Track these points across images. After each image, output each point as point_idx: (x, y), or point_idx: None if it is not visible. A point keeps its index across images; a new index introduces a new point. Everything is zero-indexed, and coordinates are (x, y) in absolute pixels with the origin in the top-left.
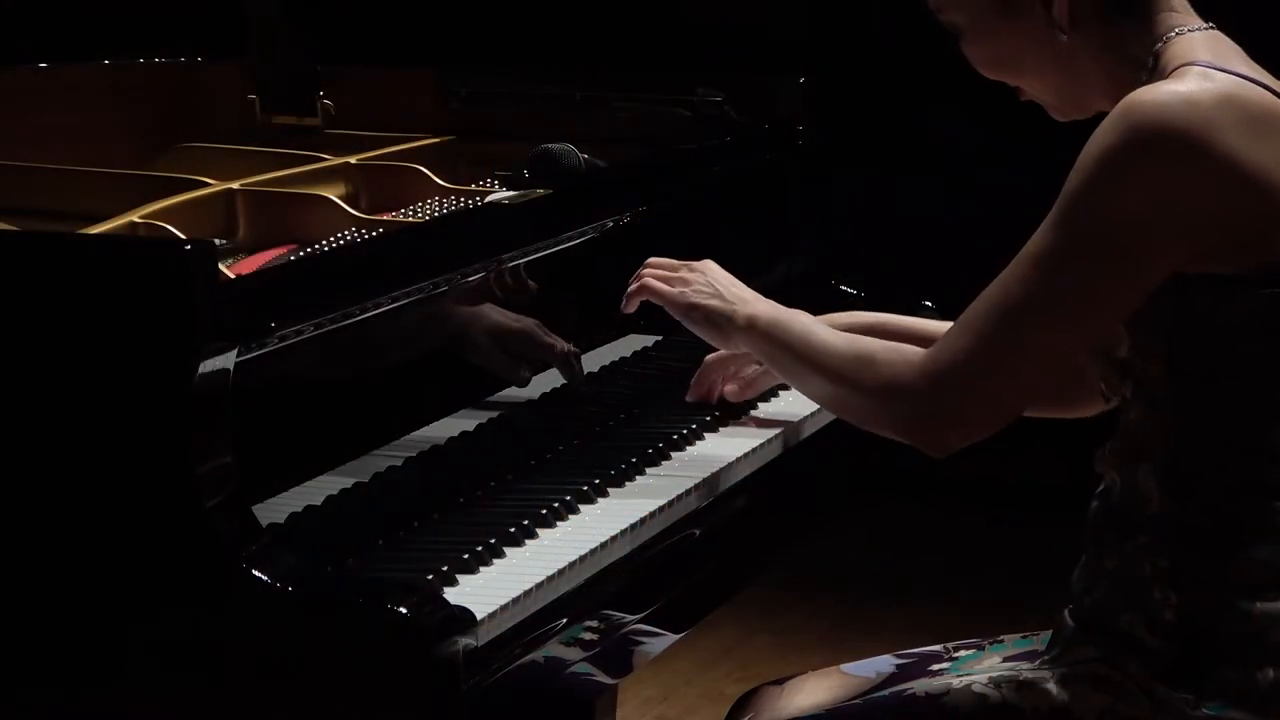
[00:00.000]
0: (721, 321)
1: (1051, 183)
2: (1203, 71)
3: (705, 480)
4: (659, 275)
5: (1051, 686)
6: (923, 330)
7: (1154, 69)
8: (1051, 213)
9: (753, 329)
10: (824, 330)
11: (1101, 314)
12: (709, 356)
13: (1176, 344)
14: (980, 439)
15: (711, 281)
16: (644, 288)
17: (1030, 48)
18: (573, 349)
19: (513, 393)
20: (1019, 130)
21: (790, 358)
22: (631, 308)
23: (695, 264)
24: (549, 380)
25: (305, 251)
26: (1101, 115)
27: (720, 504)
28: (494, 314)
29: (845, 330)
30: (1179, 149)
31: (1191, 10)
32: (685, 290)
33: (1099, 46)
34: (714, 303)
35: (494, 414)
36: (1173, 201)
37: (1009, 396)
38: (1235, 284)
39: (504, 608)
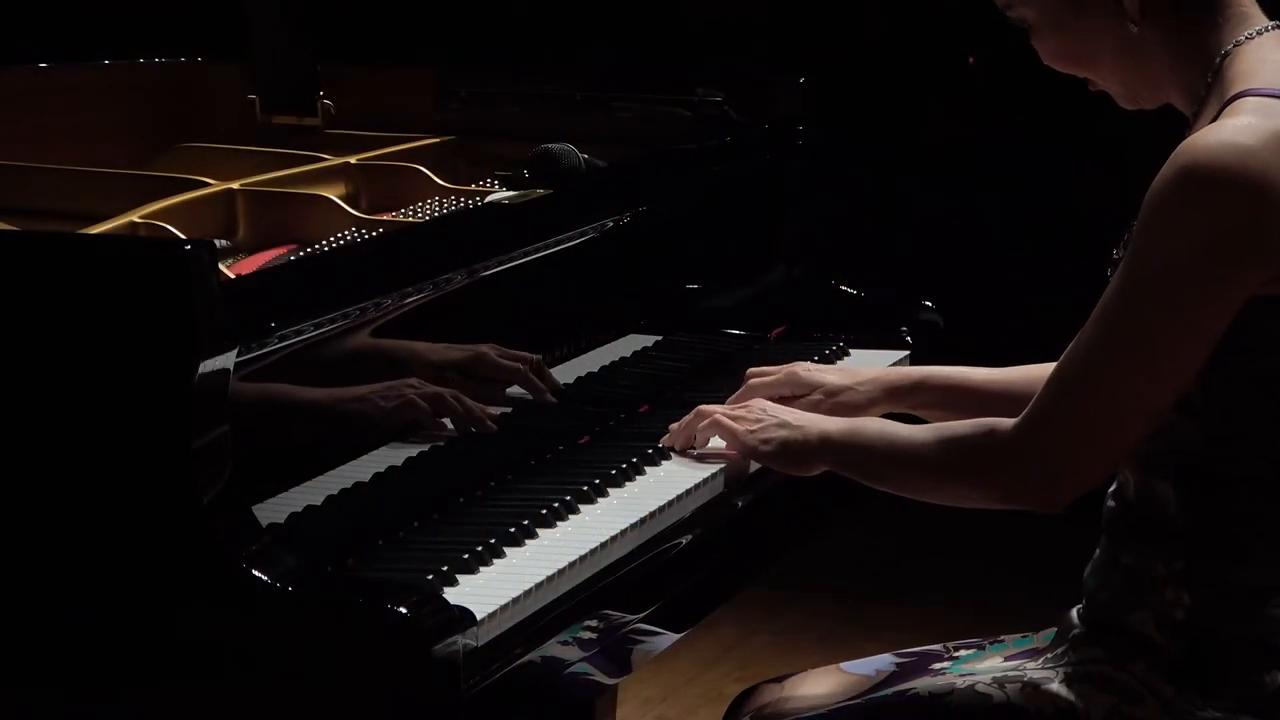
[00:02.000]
0: (797, 448)
1: (1051, 183)
2: (1260, 105)
3: (706, 480)
4: (725, 412)
5: (1056, 686)
6: (972, 381)
7: (1219, 73)
8: (1122, 263)
9: (829, 444)
10: (899, 426)
11: (1185, 354)
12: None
13: (1219, 354)
14: (1091, 485)
15: (770, 414)
16: (715, 423)
17: (1100, 40)
18: (532, 364)
19: (513, 392)
20: (1018, 130)
21: (876, 461)
22: (701, 443)
23: (748, 402)
24: None
25: (305, 251)
26: (1169, 110)
27: (721, 503)
28: (444, 353)
29: (896, 389)
30: (1235, 194)
31: (1258, 9)
32: (751, 429)
33: (1168, 39)
34: (783, 433)
35: (494, 414)
36: (1236, 243)
37: (1110, 445)
38: None
39: (504, 608)
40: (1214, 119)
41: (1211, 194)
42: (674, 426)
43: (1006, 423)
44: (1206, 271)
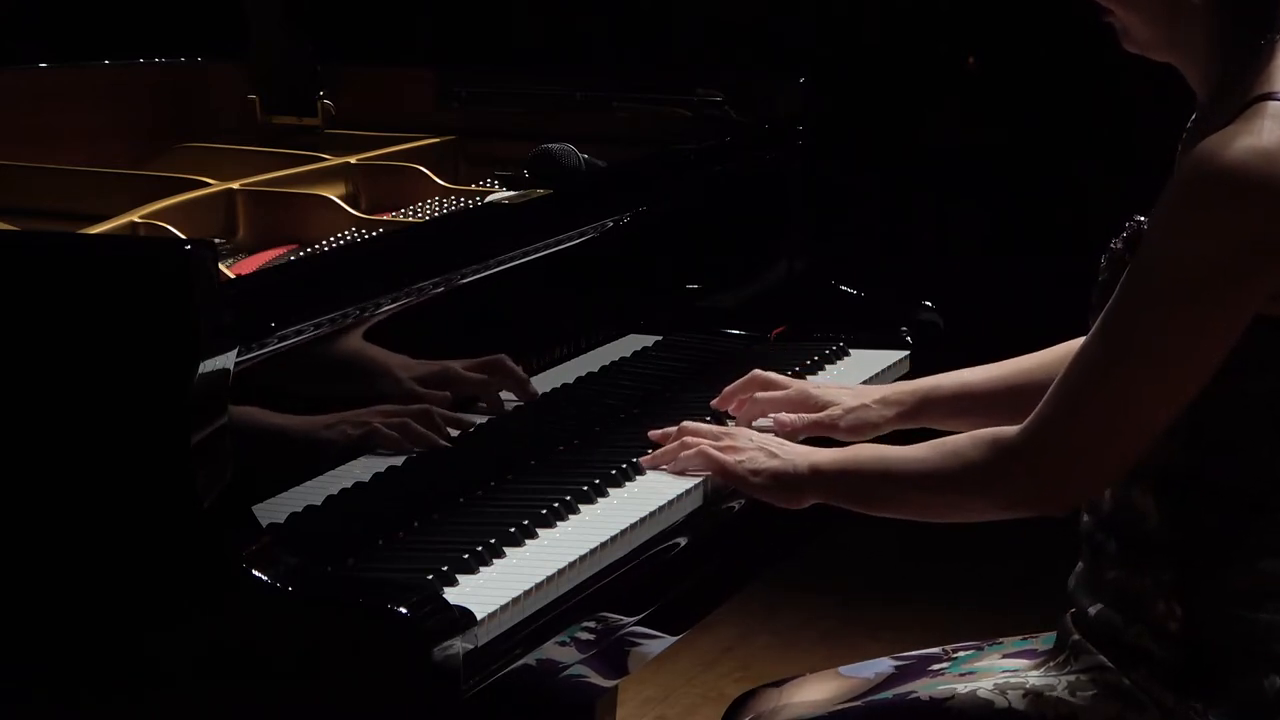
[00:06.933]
0: (789, 479)
1: (1050, 183)
2: (1278, 111)
3: (706, 480)
4: (710, 443)
5: (1059, 694)
6: (974, 387)
7: (1249, 62)
8: (1132, 265)
9: (821, 474)
10: (893, 448)
11: (1194, 361)
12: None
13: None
14: (1100, 490)
15: (758, 443)
16: (702, 455)
17: None
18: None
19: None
20: (1017, 130)
21: (875, 487)
22: (678, 467)
23: (732, 429)
24: (548, 380)
25: (305, 251)
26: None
27: (721, 504)
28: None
29: (905, 407)
30: (1257, 200)
31: None
32: (740, 459)
33: (1215, 8)
34: (774, 463)
35: (494, 414)
36: (1250, 251)
37: (1117, 450)
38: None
39: (504, 608)
40: (1233, 115)
41: (1233, 199)
42: (654, 434)
43: (1009, 431)
44: (1222, 277)
